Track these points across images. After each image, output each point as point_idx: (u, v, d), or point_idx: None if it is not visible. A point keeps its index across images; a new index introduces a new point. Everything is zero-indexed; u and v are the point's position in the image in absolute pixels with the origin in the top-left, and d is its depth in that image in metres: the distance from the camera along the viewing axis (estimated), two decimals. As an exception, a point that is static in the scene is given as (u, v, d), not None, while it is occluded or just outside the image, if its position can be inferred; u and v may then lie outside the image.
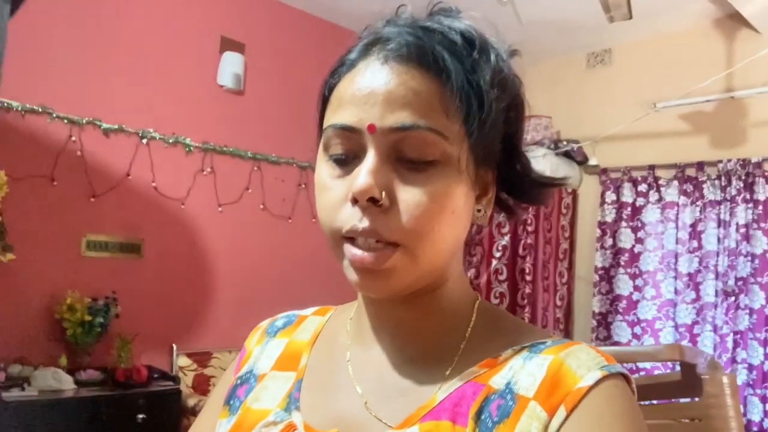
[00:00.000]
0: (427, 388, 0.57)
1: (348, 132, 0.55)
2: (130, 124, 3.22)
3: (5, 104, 2.82)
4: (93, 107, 3.10)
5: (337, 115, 0.56)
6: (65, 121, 3.01)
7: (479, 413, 0.53)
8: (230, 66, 3.58)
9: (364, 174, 0.53)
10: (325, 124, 0.58)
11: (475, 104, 0.55)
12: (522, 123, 0.63)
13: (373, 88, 0.55)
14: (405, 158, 0.54)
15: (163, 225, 3.33)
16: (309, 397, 0.63)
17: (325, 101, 0.61)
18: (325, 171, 0.57)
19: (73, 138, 3.04)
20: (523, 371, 0.54)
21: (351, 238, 0.55)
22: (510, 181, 0.63)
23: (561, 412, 0.50)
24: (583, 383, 0.51)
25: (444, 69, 0.55)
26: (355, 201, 0.54)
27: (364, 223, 0.53)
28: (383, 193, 0.53)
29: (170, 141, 3.37)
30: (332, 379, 0.63)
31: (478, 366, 0.57)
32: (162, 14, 3.37)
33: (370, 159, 0.54)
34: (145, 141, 3.27)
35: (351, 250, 0.54)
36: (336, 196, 0.55)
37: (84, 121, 3.07)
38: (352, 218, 0.54)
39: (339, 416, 0.59)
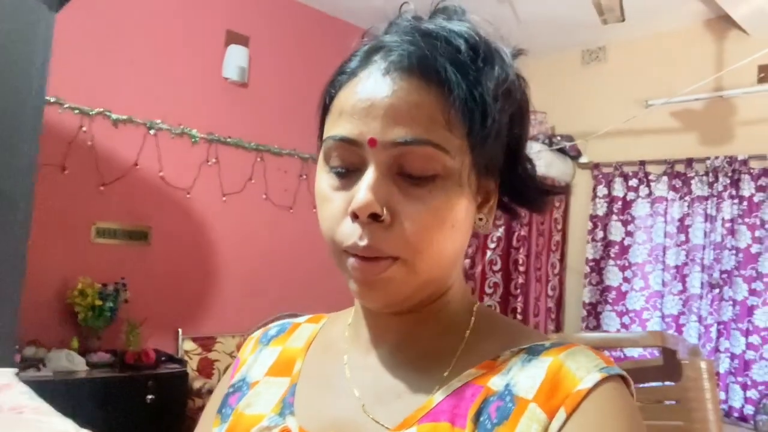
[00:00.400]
0: (425, 390, 0.56)
1: (348, 144, 0.54)
2: (138, 115, 3.31)
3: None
4: (103, 98, 3.19)
5: (338, 127, 0.55)
6: (76, 111, 3.10)
7: (478, 415, 0.53)
8: (235, 59, 3.67)
9: (364, 190, 0.53)
10: (326, 134, 0.57)
11: (479, 118, 0.54)
12: (526, 128, 0.62)
13: (374, 100, 0.54)
14: (406, 172, 0.54)
15: (169, 213, 3.44)
16: (304, 401, 0.62)
17: (325, 109, 0.60)
18: (325, 182, 0.57)
19: (84, 128, 3.13)
20: (522, 373, 0.54)
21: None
22: (512, 186, 0.63)
23: (561, 414, 0.50)
24: (582, 385, 0.51)
25: (446, 81, 0.54)
26: (355, 216, 0.53)
27: (364, 241, 0.53)
28: (384, 209, 0.53)
29: (177, 132, 3.46)
30: (328, 383, 0.63)
31: (476, 368, 0.57)
32: (169, 8, 3.45)
33: (371, 174, 0.53)
34: (152, 132, 3.37)
35: (350, 261, 0.54)
36: (336, 208, 0.55)
37: (94, 112, 3.16)
38: (353, 235, 0.53)
39: (335, 419, 0.59)
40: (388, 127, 0.53)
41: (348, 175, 0.55)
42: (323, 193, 0.57)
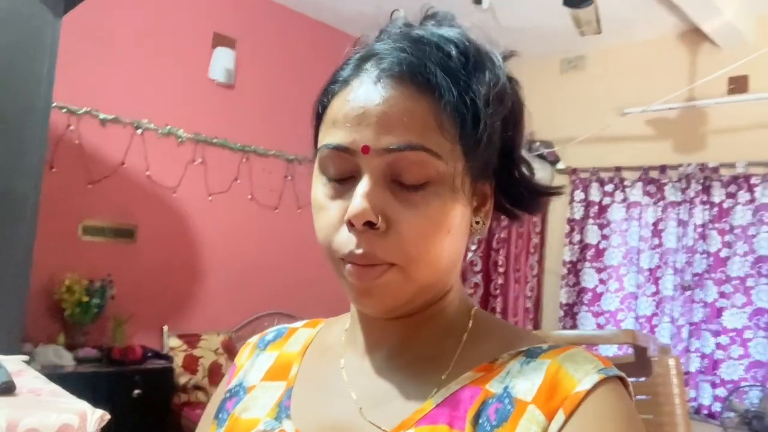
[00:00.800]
0: (422, 393, 0.56)
1: (342, 152, 0.54)
2: (125, 115, 3.36)
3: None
4: (91, 98, 3.23)
5: (331, 135, 0.55)
6: (64, 110, 3.14)
7: (477, 417, 0.53)
8: (222, 61, 3.72)
9: (359, 198, 0.53)
10: (320, 143, 0.58)
11: (470, 123, 0.55)
12: (521, 130, 0.62)
13: (366, 108, 0.54)
14: (400, 179, 0.54)
15: (155, 212, 3.48)
16: (301, 404, 0.62)
17: (318, 118, 0.60)
18: (320, 190, 0.57)
19: (72, 127, 3.16)
20: (520, 375, 0.54)
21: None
22: (508, 188, 0.63)
23: (560, 416, 0.50)
24: (581, 387, 0.51)
25: (437, 87, 0.54)
26: (351, 225, 0.53)
27: (360, 250, 0.53)
28: (379, 216, 0.53)
29: (163, 132, 3.51)
30: (325, 386, 0.63)
31: (474, 370, 0.57)
32: (157, 10, 3.50)
33: (365, 182, 0.54)
34: (139, 131, 3.41)
35: (347, 268, 0.55)
36: (332, 216, 0.55)
37: (81, 111, 3.20)
38: (349, 243, 0.54)
39: (333, 422, 0.59)
40: (380, 134, 0.53)
41: (343, 183, 0.56)
42: (319, 201, 0.57)
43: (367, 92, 0.54)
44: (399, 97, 0.54)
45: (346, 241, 0.54)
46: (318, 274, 3.90)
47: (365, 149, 0.53)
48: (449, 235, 0.56)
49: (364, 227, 0.53)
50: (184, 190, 3.59)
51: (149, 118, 3.45)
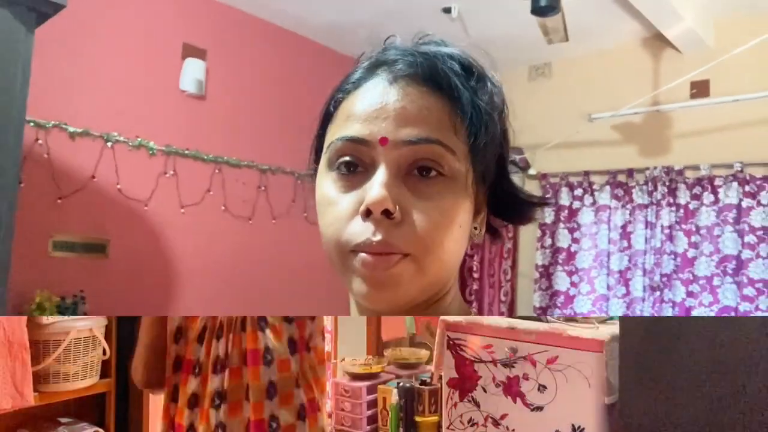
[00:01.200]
0: None
1: (358, 145, 0.55)
2: (95, 128, 3.30)
3: (-27, 108, 2.87)
4: (59, 111, 3.17)
5: (346, 129, 0.56)
6: (32, 124, 3.07)
7: None
8: (192, 72, 3.70)
9: (377, 186, 0.53)
10: (332, 138, 0.58)
11: (482, 126, 0.57)
12: (509, 145, 0.66)
13: (384, 103, 0.55)
14: (414, 172, 0.55)
15: (127, 225, 3.43)
16: None
17: (327, 118, 0.62)
18: (330, 185, 0.57)
19: (40, 141, 3.11)
20: None
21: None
22: (499, 201, 0.66)
23: None
24: None
25: (454, 89, 0.57)
26: (367, 214, 0.53)
27: (378, 237, 0.53)
28: (396, 206, 0.53)
29: (134, 144, 3.47)
30: None
31: None
32: (126, 21, 3.46)
33: (383, 172, 0.54)
34: (109, 144, 3.36)
35: (361, 258, 0.54)
36: (344, 210, 0.56)
37: (50, 125, 3.14)
38: (365, 232, 0.53)
39: None
40: (399, 127, 0.55)
41: (355, 176, 0.56)
42: (328, 197, 0.57)
43: (384, 90, 0.57)
44: (416, 95, 0.56)
45: (361, 230, 0.54)
46: (294, 284, 3.89)
47: (383, 140, 0.54)
48: (461, 230, 0.57)
49: (381, 216, 0.53)
50: (156, 203, 3.55)
51: (119, 130, 3.40)
